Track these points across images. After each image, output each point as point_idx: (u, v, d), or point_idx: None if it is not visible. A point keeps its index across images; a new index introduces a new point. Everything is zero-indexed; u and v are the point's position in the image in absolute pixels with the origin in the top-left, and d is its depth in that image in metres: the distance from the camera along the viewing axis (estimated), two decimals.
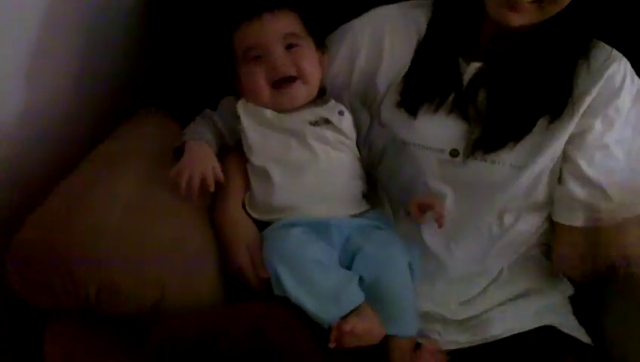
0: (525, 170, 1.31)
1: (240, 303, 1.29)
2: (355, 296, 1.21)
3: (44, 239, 1.17)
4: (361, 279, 1.24)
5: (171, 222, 1.27)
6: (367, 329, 1.19)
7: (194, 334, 1.14)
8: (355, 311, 1.19)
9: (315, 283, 1.22)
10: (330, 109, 1.38)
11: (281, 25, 1.38)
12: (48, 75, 1.44)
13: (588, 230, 1.32)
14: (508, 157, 1.31)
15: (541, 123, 1.30)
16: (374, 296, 1.23)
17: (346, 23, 1.45)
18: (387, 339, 1.23)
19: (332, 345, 1.17)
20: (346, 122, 1.37)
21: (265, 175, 1.35)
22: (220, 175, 1.33)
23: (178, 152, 1.33)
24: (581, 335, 1.34)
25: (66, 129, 1.50)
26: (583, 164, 1.31)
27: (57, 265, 1.16)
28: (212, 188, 1.32)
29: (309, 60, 1.38)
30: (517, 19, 1.24)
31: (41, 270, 1.16)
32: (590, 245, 1.31)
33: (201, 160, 1.31)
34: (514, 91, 1.30)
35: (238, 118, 1.38)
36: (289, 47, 1.37)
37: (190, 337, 1.13)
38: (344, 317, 1.18)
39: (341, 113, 1.37)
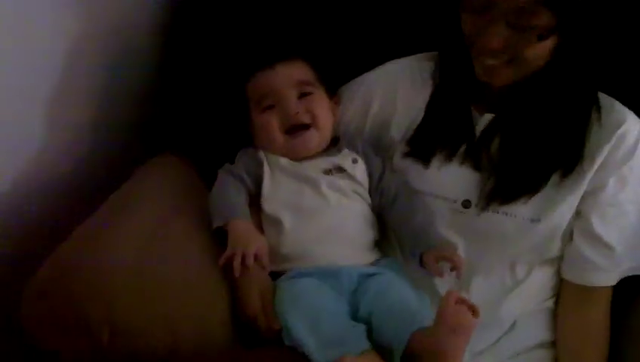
0: (539, 224, 1.31)
1: (259, 348, 1.28)
2: (361, 343, 1.18)
3: (60, 282, 1.17)
4: (370, 317, 1.23)
5: (184, 265, 1.28)
6: None
7: None
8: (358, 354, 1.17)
9: (324, 330, 1.20)
10: (344, 157, 1.40)
11: (294, 73, 1.41)
12: (65, 119, 1.46)
13: None
14: (522, 210, 1.31)
15: (555, 177, 1.30)
16: (386, 315, 1.21)
17: (357, 71, 1.49)
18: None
19: None
20: (360, 170, 1.39)
21: (277, 222, 1.35)
22: (267, 251, 1.33)
23: (219, 230, 1.33)
24: None
25: (84, 174, 1.52)
26: (595, 221, 1.31)
27: (72, 305, 1.15)
28: (267, 268, 1.32)
29: (321, 108, 1.40)
30: (497, 81, 1.27)
31: (56, 309, 1.16)
32: None
33: (249, 239, 1.31)
34: (526, 143, 1.30)
35: (260, 165, 1.39)
36: (302, 95, 1.40)
37: None
38: None
39: (355, 161, 1.39)
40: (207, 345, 1.25)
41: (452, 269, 1.28)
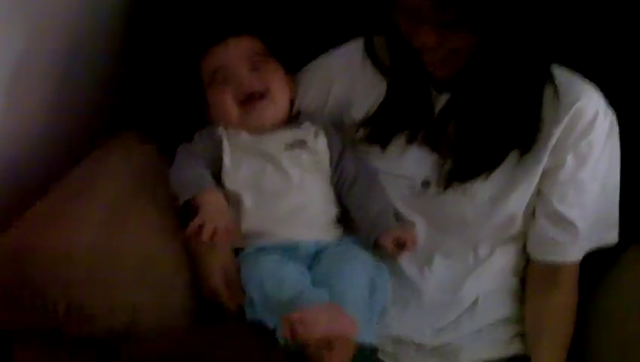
0: (499, 204, 1.30)
1: (213, 325, 1.29)
2: (315, 296, 1.19)
3: (14, 258, 1.17)
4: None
5: (143, 243, 1.28)
6: (319, 318, 1.11)
7: (165, 354, 1.14)
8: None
9: (284, 301, 1.20)
10: (306, 130, 1.39)
11: (246, 47, 1.42)
12: (25, 98, 1.45)
13: None
14: (482, 190, 1.29)
15: (513, 156, 1.28)
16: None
17: (312, 51, 1.47)
18: None
19: (286, 335, 1.11)
20: (321, 143, 1.38)
21: (237, 199, 1.34)
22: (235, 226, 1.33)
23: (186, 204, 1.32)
24: None
25: (42, 152, 1.51)
26: (556, 200, 1.29)
27: (27, 283, 1.16)
28: (238, 239, 1.32)
29: (275, 78, 1.41)
30: (442, 73, 1.26)
31: (10, 287, 1.16)
32: None
33: (220, 213, 1.31)
34: (481, 121, 1.28)
35: (219, 143, 1.38)
36: (255, 68, 1.40)
37: (161, 358, 1.14)
38: None
39: (316, 134, 1.38)
40: (168, 323, 1.26)
41: (405, 248, 1.29)
